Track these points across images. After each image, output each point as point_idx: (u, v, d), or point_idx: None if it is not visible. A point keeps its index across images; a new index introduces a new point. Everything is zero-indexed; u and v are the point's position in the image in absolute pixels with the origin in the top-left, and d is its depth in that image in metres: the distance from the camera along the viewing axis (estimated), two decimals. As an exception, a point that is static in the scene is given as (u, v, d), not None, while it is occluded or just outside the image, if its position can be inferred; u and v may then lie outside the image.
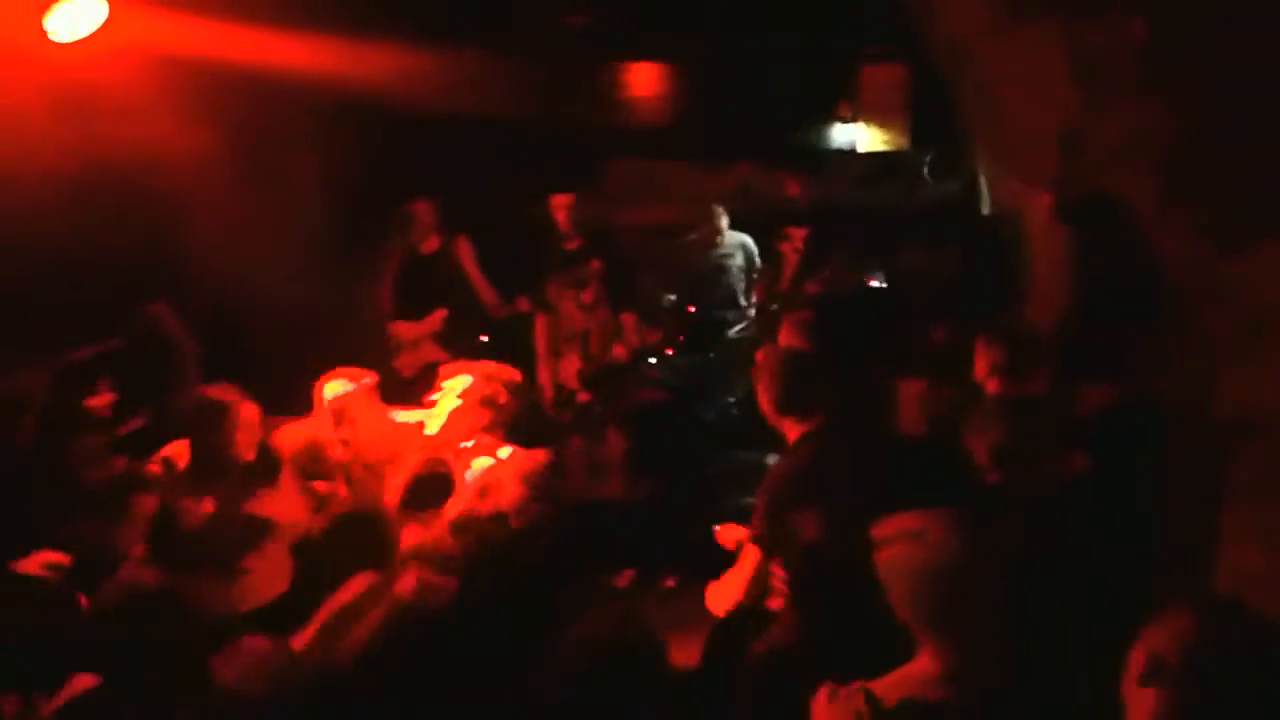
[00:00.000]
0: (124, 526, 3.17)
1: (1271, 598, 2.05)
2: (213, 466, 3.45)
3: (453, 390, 3.48)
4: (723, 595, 3.11)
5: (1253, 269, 2.00)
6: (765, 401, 3.07)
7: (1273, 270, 1.93)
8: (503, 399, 3.48)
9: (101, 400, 4.16)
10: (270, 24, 4.73)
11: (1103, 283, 3.53)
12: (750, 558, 2.99)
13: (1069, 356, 3.62)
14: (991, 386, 3.32)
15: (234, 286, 5.11)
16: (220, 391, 3.53)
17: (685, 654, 3.31)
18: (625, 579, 4.70)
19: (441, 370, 3.57)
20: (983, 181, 6.07)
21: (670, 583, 4.70)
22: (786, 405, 3.00)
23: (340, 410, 3.53)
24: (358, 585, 2.63)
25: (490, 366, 3.59)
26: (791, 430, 3.02)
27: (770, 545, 2.93)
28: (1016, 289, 4.77)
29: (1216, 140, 2.12)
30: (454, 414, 3.47)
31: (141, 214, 4.68)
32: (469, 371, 3.53)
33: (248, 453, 3.46)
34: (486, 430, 3.42)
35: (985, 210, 6.08)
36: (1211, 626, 1.60)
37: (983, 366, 3.35)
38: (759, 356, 3.20)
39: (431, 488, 3.21)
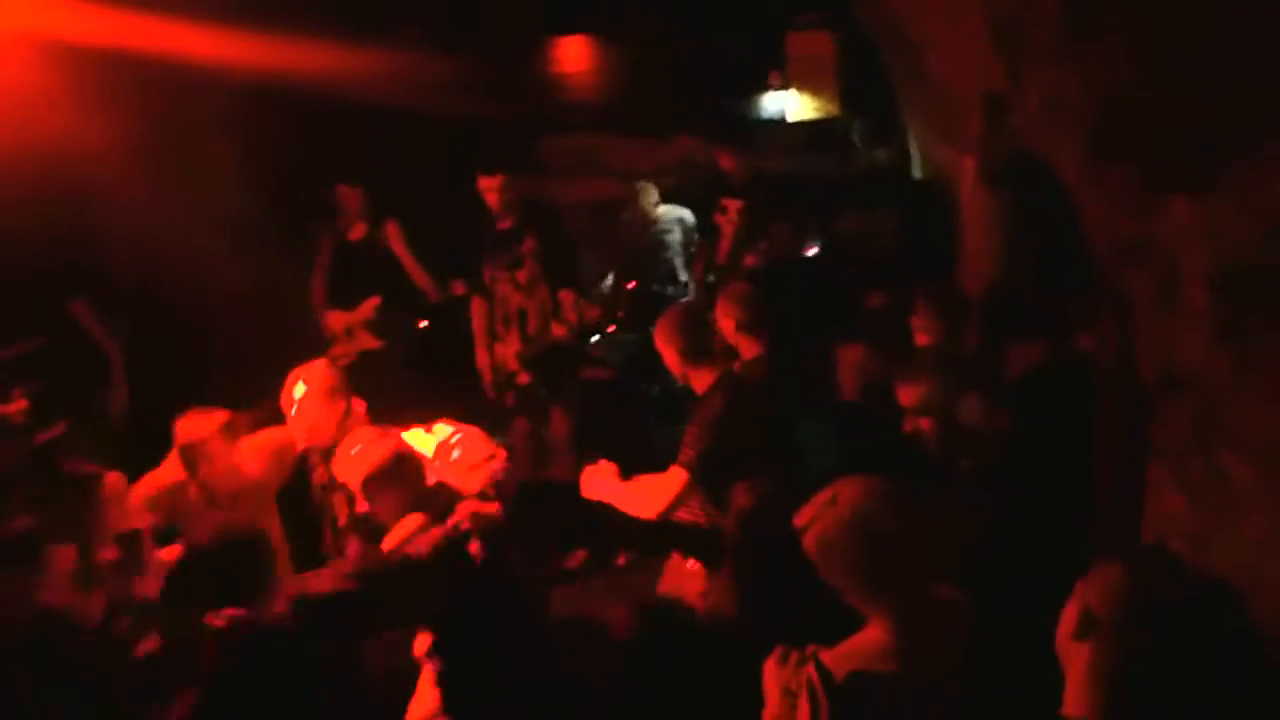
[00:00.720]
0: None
1: (1196, 549, 2.12)
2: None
3: (295, 393, 3.43)
4: (629, 500, 3.19)
5: (1168, 229, 2.04)
6: (671, 357, 3.21)
7: (1186, 230, 1.98)
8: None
9: (14, 406, 4.01)
10: (186, 9, 4.58)
11: (1029, 244, 3.60)
12: (678, 478, 3.07)
13: (997, 316, 3.69)
14: (921, 340, 3.40)
15: (155, 278, 4.95)
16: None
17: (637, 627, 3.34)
18: (577, 559, 4.72)
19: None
20: (913, 147, 6.14)
21: (622, 561, 4.73)
22: (692, 354, 3.15)
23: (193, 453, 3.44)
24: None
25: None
26: (701, 380, 3.16)
27: (698, 476, 3.02)
28: (948, 252, 4.85)
29: (1133, 104, 2.16)
30: (304, 413, 3.41)
31: (55, 207, 4.51)
32: (303, 375, 3.46)
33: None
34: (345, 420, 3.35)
35: (917, 175, 6.15)
36: (1140, 578, 1.64)
37: (916, 326, 3.42)
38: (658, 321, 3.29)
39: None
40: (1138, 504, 2.24)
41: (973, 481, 2.63)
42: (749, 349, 3.58)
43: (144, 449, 3.91)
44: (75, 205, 4.59)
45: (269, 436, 3.60)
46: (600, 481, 3.26)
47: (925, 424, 2.69)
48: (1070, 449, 2.65)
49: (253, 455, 3.51)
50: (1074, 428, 2.70)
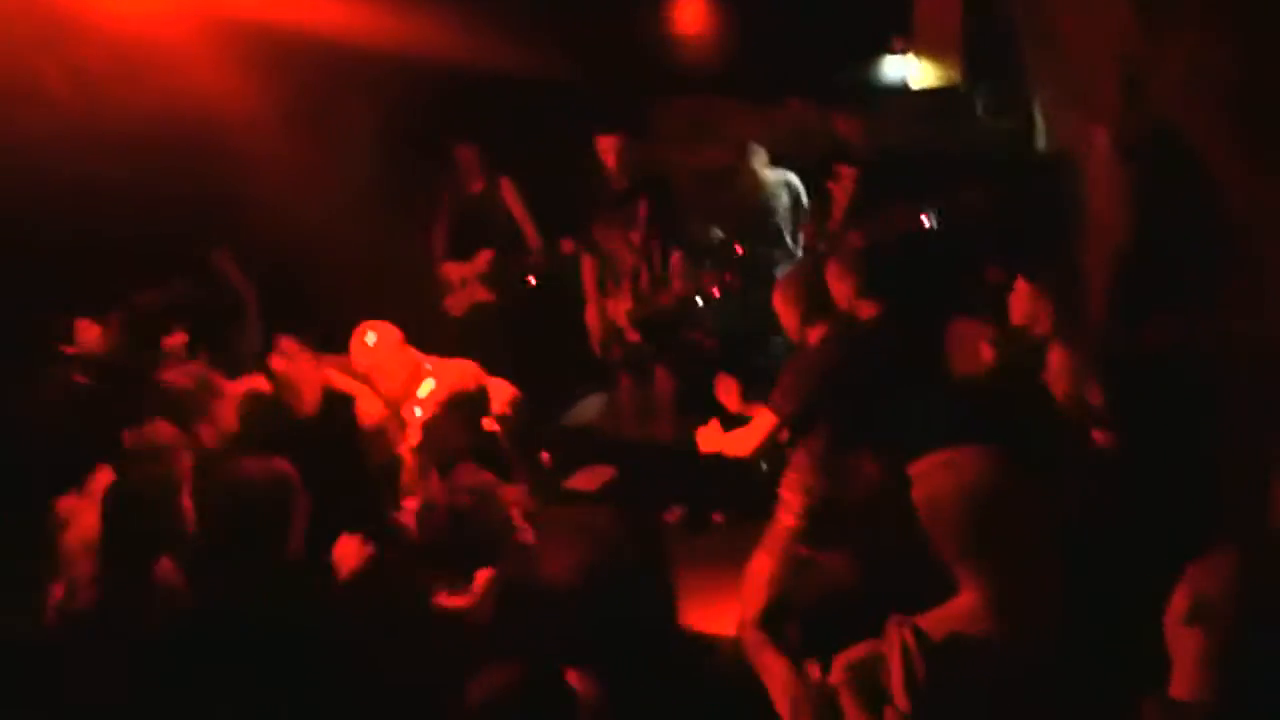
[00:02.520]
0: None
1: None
2: None
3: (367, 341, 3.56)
4: (726, 442, 3.37)
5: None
6: (789, 316, 3.33)
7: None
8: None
9: (176, 340, 4.34)
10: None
11: (1163, 218, 3.45)
12: (766, 422, 3.23)
13: (1130, 294, 3.56)
14: (1039, 328, 3.31)
15: (291, 234, 5.22)
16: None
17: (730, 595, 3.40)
18: (675, 516, 4.80)
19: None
20: (1040, 118, 5.92)
21: (719, 519, 4.78)
22: (809, 312, 3.29)
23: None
24: None
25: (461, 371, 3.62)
26: (815, 334, 3.30)
27: (790, 422, 3.11)
28: (1076, 228, 4.68)
29: (1276, 73, 2.05)
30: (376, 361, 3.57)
31: (201, 166, 4.80)
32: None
33: None
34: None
35: (1043, 147, 5.93)
36: (1257, 568, 1.60)
37: (1026, 309, 3.34)
38: (776, 287, 3.42)
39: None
40: (1268, 486, 2.15)
41: (1094, 459, 2.58)
42: (867, 312, 3.56)
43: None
44: (221, 163, 4.86)
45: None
46: (713, 429, 3.42)
47: (1059, 387, 2.62)
48: (1203, 427, 2.56)
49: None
50: (1207, 406, 2.60)
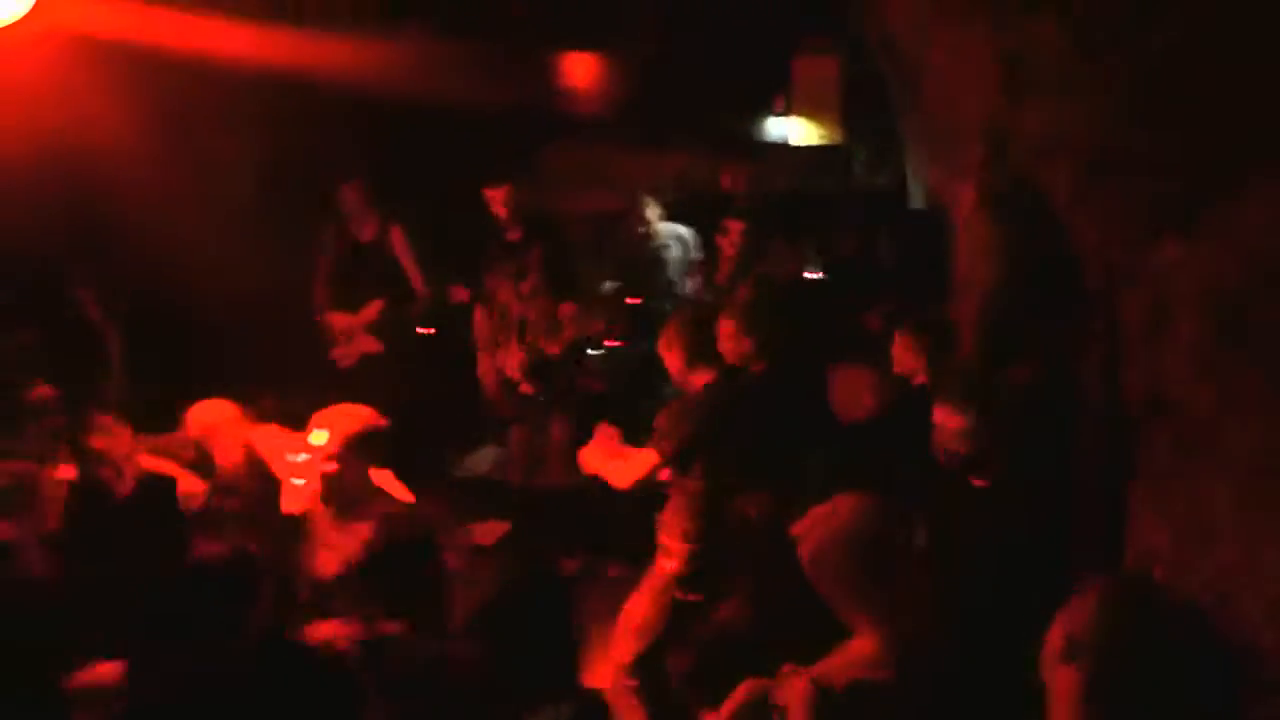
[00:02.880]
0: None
1: (1177, 575, 2.17)
2: None
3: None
4: (611, 469, 3.45)
5: (1159, 258, 2.11)
6: (672, 361, 3.42)
7: (1176, 260, 2.04)
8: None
9: (42, 391, 4.08)
10: (198, 4, 4.64)
11: (1023, 270, 3.66)
12: (648, 459, 3.32)
13: (990, 341, 3.75)
14: (918, 378, 3.45)
15: (159, 269, 4.99)
16: None
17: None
18: (571, 567, 4.76)
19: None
20: (911, 175, 6.22)
21: (614, 571, 4.76)
22: (694, 358, 3.37)
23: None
24: None
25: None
26: (699, 379, 3.38)
27: (669, 463, 3.25)
28: (944, 277, 4.91)
29: (1129, 137, 2.23)
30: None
31: (66, 196, 4.57)
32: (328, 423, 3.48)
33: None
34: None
35: (915, 203, 6.23)
36: (1119, 604, 1.70)
37: (904, 360, 3.48)
38: (663, 331, 3.50)
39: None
40: (1119, 529, 2.29)
41: (967, 500, 2.69)
42: (756, 368, 3.63)
43: (141, 431, 3.98)
44: (84, 194, 4.65)
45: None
46: (597, 451, 3.47)
47: (943, 438, 2.73)
48: (1056, 471, 2.71)
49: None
50: (1060, 450, 2.76)
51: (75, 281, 4.87)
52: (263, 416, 3.77)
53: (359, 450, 3.00)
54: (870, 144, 6.70)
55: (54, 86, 4.31)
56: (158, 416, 4.92)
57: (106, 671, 2.45)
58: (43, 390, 4.01)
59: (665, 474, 3.36)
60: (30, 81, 4.22)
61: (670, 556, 3.33)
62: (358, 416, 3.09)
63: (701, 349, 3.39)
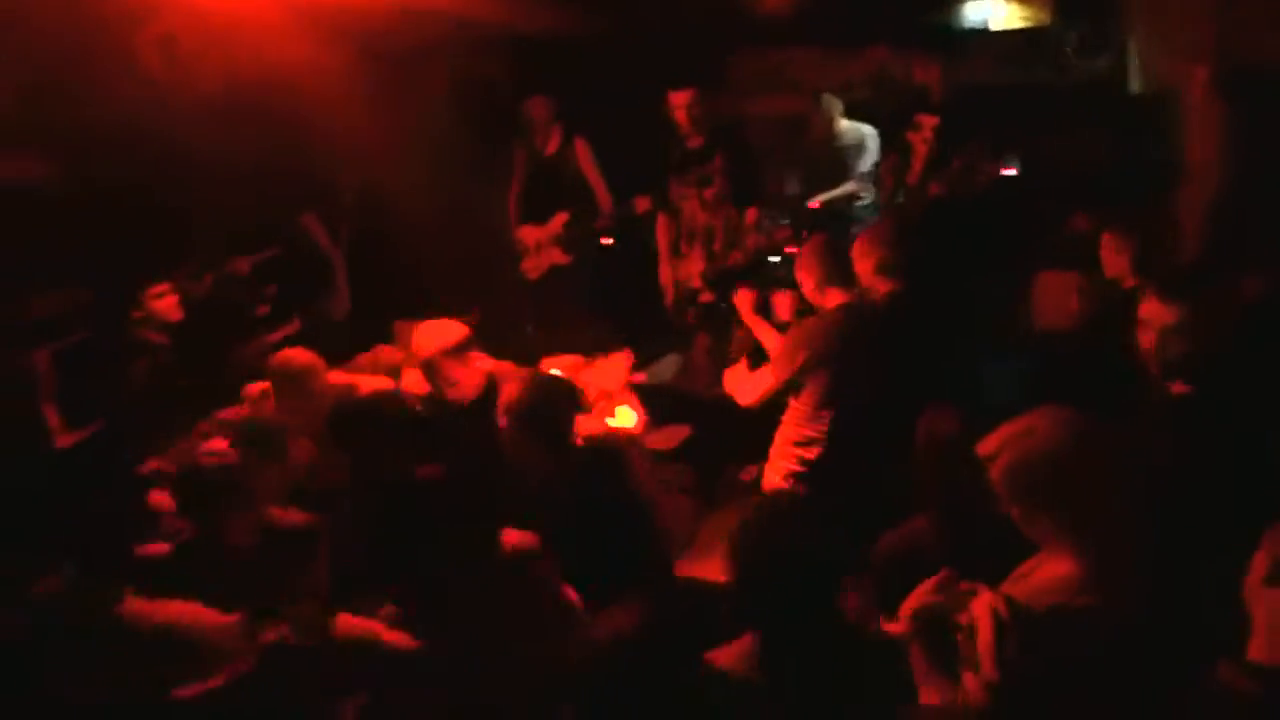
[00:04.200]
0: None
1: None
2: None
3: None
4: (738, 387, 3.44)
5: None
6: (807, 283, 3.32)
7: None
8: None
9: (264, 310, 4.51)
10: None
11: (1261, 161, 3.28)
12: (767, 379, 3.28)
13: (1226, 241, 3.41)
14: (1129, 280, 3.18)
15: (371, 196, 5.34)
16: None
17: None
18: (749, 473, 4.80)
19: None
20: (1133, 58, 5.65)
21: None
22: (825, 279, 3.27)
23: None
24: None
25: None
26: (831, 300, 3.28)
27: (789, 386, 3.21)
28: (1171, 172, 4.48)
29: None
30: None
31: (284, 131, 4.91)
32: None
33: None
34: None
35: (1136, 89, 5.67)
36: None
37: (1115, 262, 3.21)
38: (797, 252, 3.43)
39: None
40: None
41: (1183, 412, 2.48)
42: (883, 288, 3.39)
43: (364, 348, 4.32)
44: (302, 129, 4.98)
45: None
46: (738, 369, 3.49)
47: (1148, 338, 2.51)
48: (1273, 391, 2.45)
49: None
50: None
51: (297, 210, 5.27)
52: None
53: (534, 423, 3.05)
54: (1085, 25, 6.09)
55: (267, 28, 4.61)
56: (374, 330, 5.33)
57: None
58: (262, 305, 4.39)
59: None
60: (245, 24, 4.53)
61: (782, 475, 3.32)
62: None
63: (834, 270, 3.26)
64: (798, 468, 3.30)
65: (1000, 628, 1.79)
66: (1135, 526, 1.93)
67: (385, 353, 4.17)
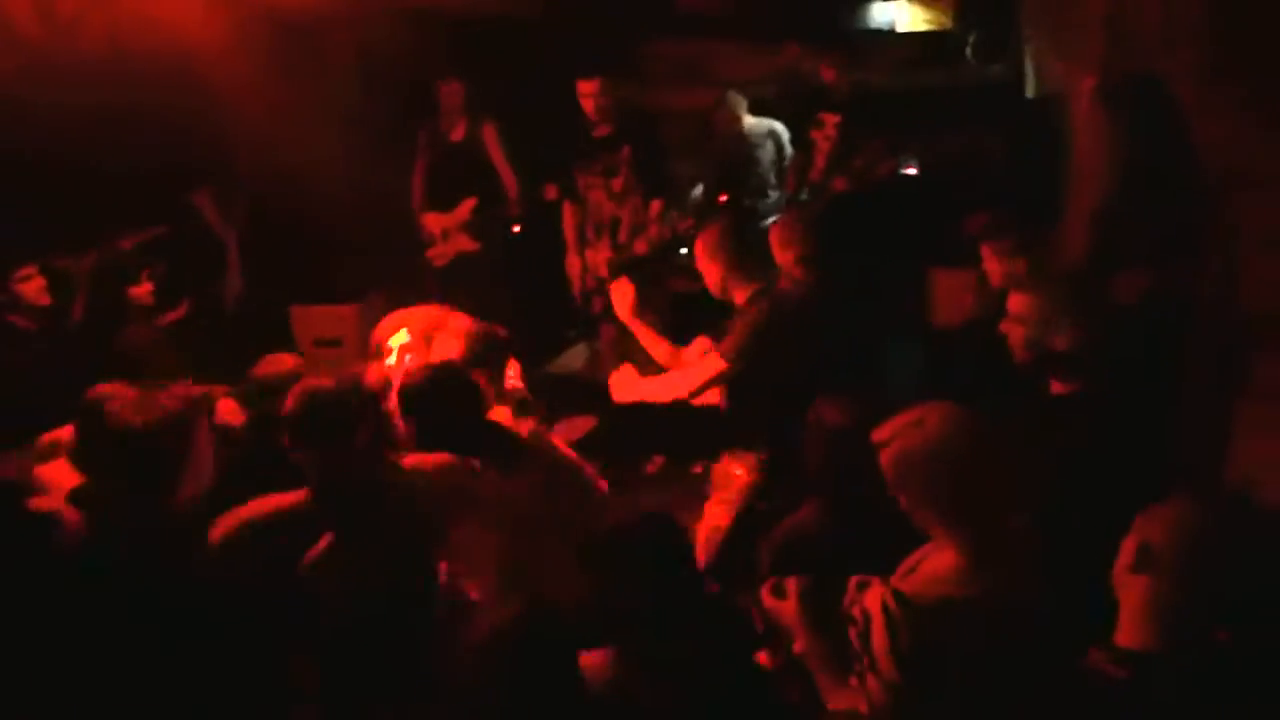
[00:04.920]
0: None
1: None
2: None
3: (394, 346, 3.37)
4: (667, 385, 3.37)
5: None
6: (712, 272, 3.28)
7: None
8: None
9: (143, 289, 4.28)
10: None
11: (1142, 168, 3.43)
12: (714, 366, 3.21)
13: (1108, 244, 3.55)
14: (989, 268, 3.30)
15: (270, 173, 5.14)
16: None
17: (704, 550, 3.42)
18: (655, 465, 4.83)
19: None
20: (1029, 64, 5.84)
21: (698, 469, 4.81)
22: (735, 269, 3.23)
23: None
24: None
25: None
26: (740, 294, 3.25)
27: (734, 377, 3.18)
28: (1058, 175, 4.65)
29: (1259, 26, 2.02)
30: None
31: (180, 102, 4.70)
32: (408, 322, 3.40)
33: None
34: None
35: (1031, 95, 5.86)
36: (1200, 515, 1.62)
37: (995, 267, 3.32)
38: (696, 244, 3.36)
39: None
40: (1221, 442, 2.18)
41: (1059, 409, 2.58)
42: (804, 278, 3.45)
43: (256, 334, 4.16)
44: (198, 101, 4.77)
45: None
46: (627, 382, 3.41)
47: (1017, 334, 2.60)
48: (1161, 383, 2.58)
49: None
50: (1169, 359, 2.61)
51: (190, 185, 5.04)
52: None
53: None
54: (984, 29, 6.28)
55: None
56: (269, 314, 5.14)
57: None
58: (146, 287, 4.17)
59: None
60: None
61: (744, 466, 3.32)
62: (432, 317, 3.09)
63: (741, 260, 3.26)
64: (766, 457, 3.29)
65: (891, 624, 1.82)
66: (1018, 520, 2.00)
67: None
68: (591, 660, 1.93)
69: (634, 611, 1.97)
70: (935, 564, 1.95)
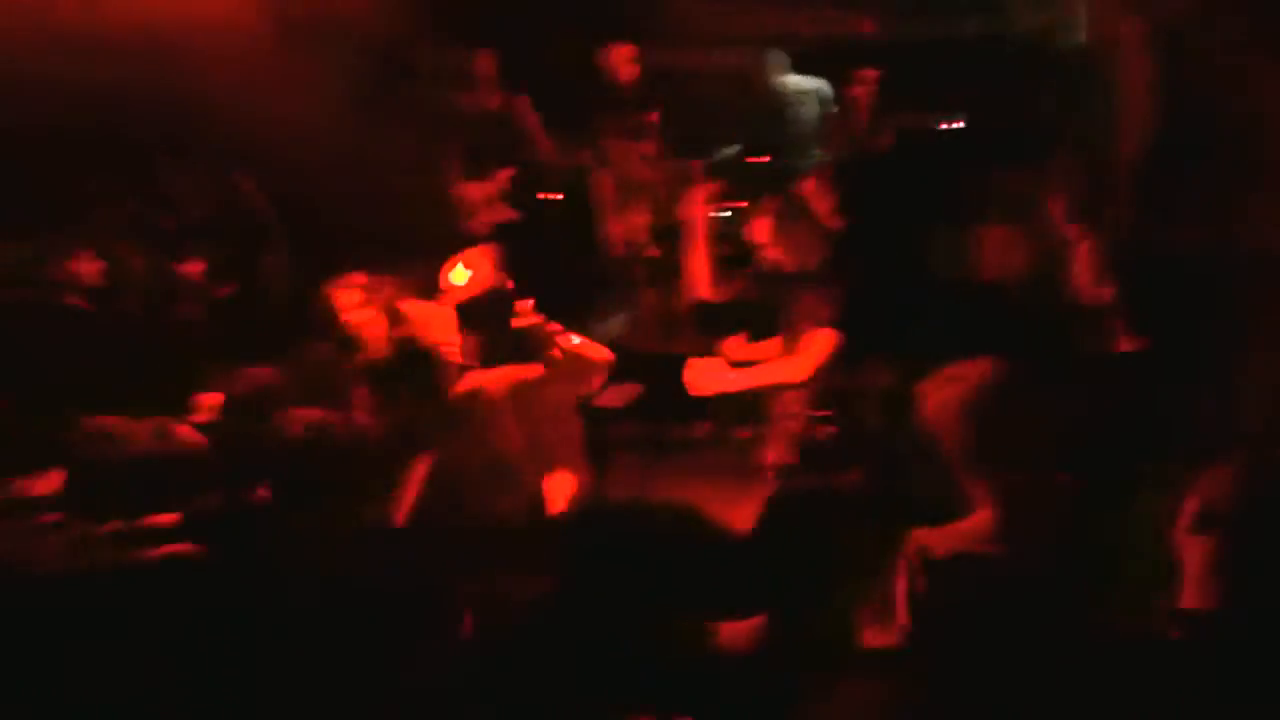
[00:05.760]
0: None
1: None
2: None
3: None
4: (788, 367, 3.15)
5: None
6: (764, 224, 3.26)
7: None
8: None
9: (194, 267, 4.33)
10: None
11: (1193, 114, 3.32)
12: (829, 338, 2.97)
13: (1158, 193, 3.45)
14: (1068, 230, 3.21)
15: (308, 152, 5.13)
16: None
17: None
18: (700, 431, 4.82)
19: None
20: (1077, 9, 5.67)
21: (742, 434, 4.79)
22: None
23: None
24: None
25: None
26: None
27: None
28: (1108, 122, 4.52)
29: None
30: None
31: (214, 87, 4.70)
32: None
33: None
34: None
35: (1079, 40, 5.69)
36: (1262, 473, 1.58)
37: (1059, 207, 3.24)
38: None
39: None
40: (1268, 398, 2.11)
41: (1108, 365, 2.53)
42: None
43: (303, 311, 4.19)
44: (234, 85, 4.76)
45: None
46: (714, 372, 3.26)
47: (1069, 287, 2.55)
48: (1215, 336, 2.50)
49: None
50: (1221, 315, 2.53)
51: (237, 166, 5.06)
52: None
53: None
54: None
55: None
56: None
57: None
58: (196, 265, 4.22)
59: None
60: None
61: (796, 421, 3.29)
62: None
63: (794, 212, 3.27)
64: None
65: (912, 572, 1.84)
66: (1048, 478, 1.97)
67: None
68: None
69: None
70: (971, 520, 1.95)
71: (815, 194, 3.37)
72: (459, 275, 3.68)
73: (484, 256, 3.72)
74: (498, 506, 2.99)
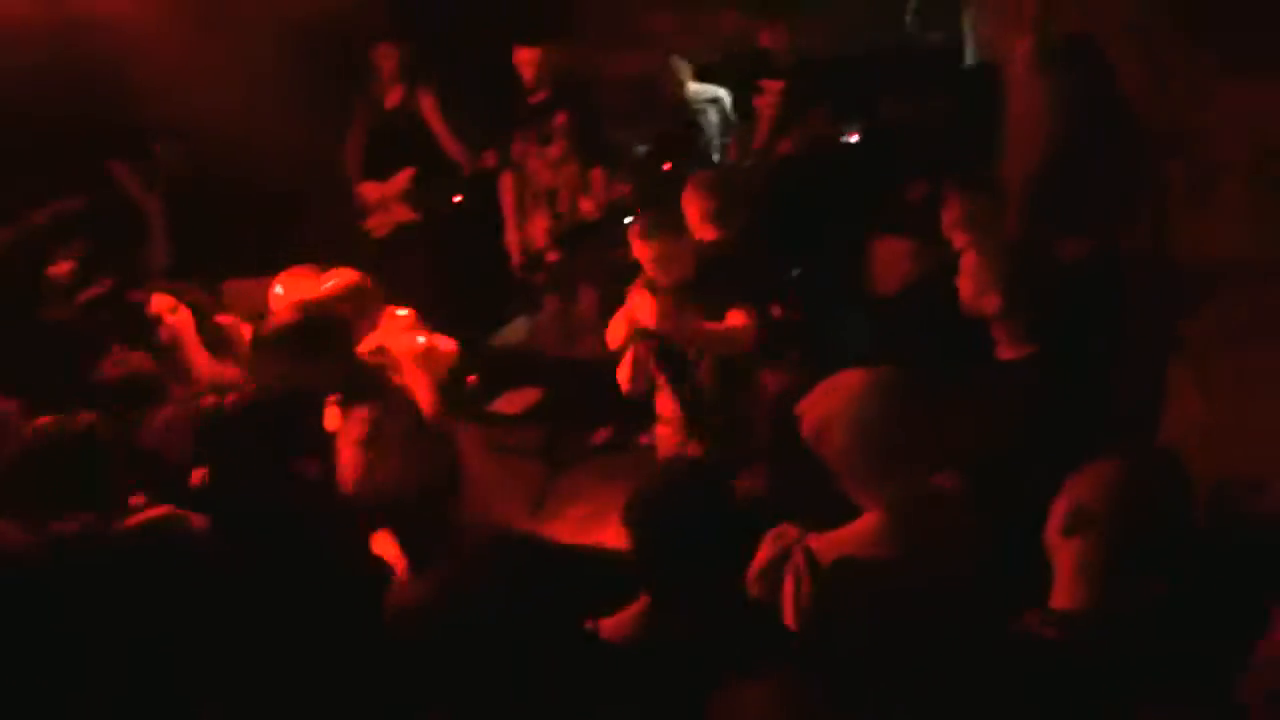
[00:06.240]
0: None
1: (1211, 448, 2.08)
2: None
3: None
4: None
5: (1213, 119, 1.94)
6: (695, 212, 3.31)
7: (1230, 120, 1.87)
8: None
9: (61, 267, 4.09)
10: None
11: (1079, 131, 3.44)
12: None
13: (1040, 208, 3.56)
14: (958, 240, 3.29)
15: (191, 137, 4.92)
16: None
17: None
18: (599, 436, 4.79)
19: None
20: (970, 29, 5.86)
21: (645, 439, 4.78)
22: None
23: None
24: None
25: None
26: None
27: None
28: (998, 141, 4.67)
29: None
30: None
31: (91, 66, 4.48)
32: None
33: None
34: None
35: (971, 60, 5.88)
36: (1133, 476, 1.62)
37: (950, 218, 3.30)
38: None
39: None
40: (1155, 402, 2.19)
41: (999, 372, 2.59)
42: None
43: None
44: (111, 64, 4.54)
45: None
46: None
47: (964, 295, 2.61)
48: (1101, 345, 2.59)
49: None
50: (1105, 322, 2.62)
51: (110, 154, 4.82)
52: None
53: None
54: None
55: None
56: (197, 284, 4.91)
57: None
58: (65, 266, 4.00)
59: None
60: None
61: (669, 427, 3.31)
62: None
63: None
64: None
65: (796, 576, 1.84)
66: (945, 482, 2.00)
67: None
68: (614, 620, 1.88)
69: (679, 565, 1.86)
70: (856, 525, 1.96)
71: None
72: (274, 298, 3.34)
73: (305, 279, 3.34)
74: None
